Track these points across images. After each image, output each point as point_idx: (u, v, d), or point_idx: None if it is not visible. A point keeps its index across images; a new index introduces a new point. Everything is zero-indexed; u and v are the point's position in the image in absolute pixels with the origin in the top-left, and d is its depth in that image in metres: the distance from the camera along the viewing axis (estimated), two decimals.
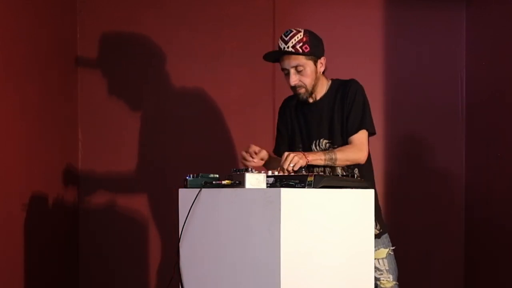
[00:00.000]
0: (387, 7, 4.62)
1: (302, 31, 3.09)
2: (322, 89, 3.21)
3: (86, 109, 4.45)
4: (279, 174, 2.66)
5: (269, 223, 2.36)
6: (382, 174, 4.46)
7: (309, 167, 3.02)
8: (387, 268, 3.20)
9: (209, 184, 2.62)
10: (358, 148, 3.10)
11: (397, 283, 3.23)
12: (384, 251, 3.20)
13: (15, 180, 3.49)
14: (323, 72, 3.20)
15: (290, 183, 2.51)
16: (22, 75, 3.59)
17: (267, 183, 2.52)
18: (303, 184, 2.47)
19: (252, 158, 3.08)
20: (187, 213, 2.63)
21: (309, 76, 3.12)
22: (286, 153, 2.85)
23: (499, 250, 4.14)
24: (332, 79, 3.25)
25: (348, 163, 3.09)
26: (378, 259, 3.18)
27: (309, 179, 2.47)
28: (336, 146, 3.14)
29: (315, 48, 3.09)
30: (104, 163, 4.42)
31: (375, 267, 3.14)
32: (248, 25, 4.51)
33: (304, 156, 2.88)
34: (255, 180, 2.48)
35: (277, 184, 2.53)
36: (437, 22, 4.66)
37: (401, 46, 4.65)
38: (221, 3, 4.52)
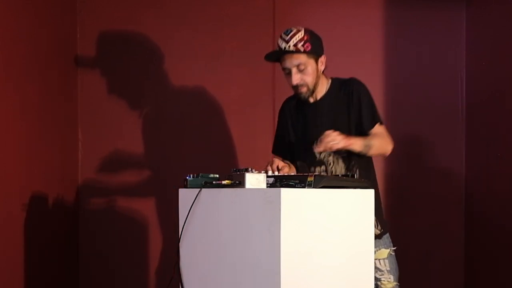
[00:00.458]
0: (387, 7, 4.62)
1: (302, 29, 3.08)
2: (322, 88, 3.21)
3: (86, 109, 4.45)
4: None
5: (269, 223, 2.35)
6: (382, 174, 4.45)
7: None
8: (388, 268, 3.19)
9: (209, 184, 2.62)
10: (389, 141, 3.14)
11: (398, 283, 3.21)
12: (385, 252, 3.19)
13: (15, 180, 3.49)
14: (323, 71, 3.20)
15: (290, 183, 2.50)
16: (22, 75, 3.59)
17: (267, 183, 2.52)
18: (303, 184, 2.47)
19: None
20: (187, 213, 2.63)
21: (311, 75, 3.11)
22: (329, 131, 2.89)
23: (499, 250, 4.13)
24: (332, 78, 3.25)
25: (379, 153, 3.14)
26: (379, 259, 3.17)
27: (309, 179, 2.47)
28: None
29: (316, 47, 3.09)
30: (104, 163, 4.42)
31: (376, 268, 3.13)
32: (248, 25, 4.51)
33: (347, 138, 2.92)
34: (255, 180, 2.47)
35: (277, 184, 2.53)
36: (437, 22, 4.66)
37: (401, 46, 4.65)
38: (221, 3, 4.52)
